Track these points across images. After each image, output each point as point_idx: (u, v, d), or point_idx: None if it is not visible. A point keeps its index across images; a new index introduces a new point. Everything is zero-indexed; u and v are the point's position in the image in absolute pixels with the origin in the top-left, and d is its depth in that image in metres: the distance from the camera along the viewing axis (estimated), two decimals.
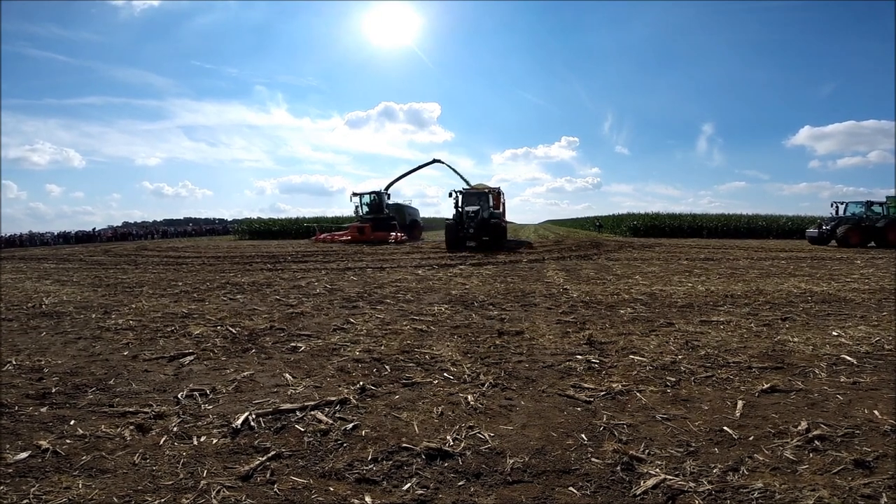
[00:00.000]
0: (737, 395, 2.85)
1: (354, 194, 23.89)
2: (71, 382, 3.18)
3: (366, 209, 23.54)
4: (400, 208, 24.86)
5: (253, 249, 18.81)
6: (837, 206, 20.05)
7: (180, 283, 8.31)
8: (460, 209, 16.35)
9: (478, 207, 16.02)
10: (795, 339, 4.06)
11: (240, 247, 21.72)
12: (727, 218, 32.72)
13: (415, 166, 25.63)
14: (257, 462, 2.12)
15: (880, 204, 19.42)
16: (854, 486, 1.88)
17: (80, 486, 1.94)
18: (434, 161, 24.48)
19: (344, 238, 22.57)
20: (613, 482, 1.96)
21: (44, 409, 2.73)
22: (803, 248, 17.57)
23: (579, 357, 3.62)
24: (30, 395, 2.94)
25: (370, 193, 23.95)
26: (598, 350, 3.82)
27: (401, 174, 25.63)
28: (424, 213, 30.12)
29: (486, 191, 17.87)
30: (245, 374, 3.32)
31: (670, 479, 1.94)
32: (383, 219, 22.72)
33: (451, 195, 16.81)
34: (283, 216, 42.87)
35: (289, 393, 2.96)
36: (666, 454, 2.16)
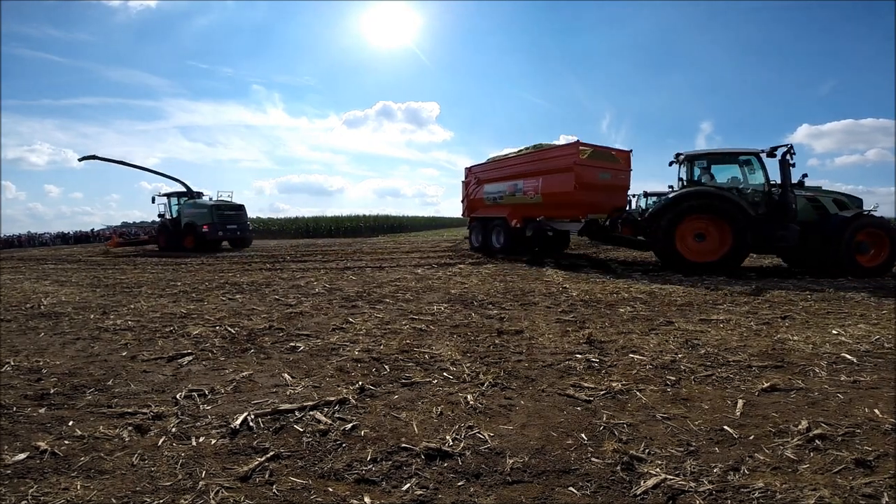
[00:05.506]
0: (737, 394, 2.85)
1: (160, 195, 19.73)
2: (69, 383, 3.17)
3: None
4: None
5: (251, 249, 18.79)
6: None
7: (179, 284, 8.30)
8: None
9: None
10: (795, 338, 4.05)
11: None
12: None
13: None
14: (256, 462, 2.11)
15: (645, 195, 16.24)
16: (855, 486, 1.87)
17: (79, 486, 1.93)
18: (85, 158, 18.72)
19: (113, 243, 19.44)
20: (613, 482, 1.95)
21: (42, 410, 2.72)
22: None
23: (579, 356, 3.61)
24: (28, 396, 2.93)
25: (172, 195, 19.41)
26: (598, 349, 3.81)
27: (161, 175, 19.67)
28: (424, 212, 28.36)
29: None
30: (244, 374, 3.31)
31: (671, 479, 1.94)
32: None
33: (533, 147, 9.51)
34: (282, 216, 42.73)
35: (288, 393, 2.95)
36: (666, 454, 2.16)
